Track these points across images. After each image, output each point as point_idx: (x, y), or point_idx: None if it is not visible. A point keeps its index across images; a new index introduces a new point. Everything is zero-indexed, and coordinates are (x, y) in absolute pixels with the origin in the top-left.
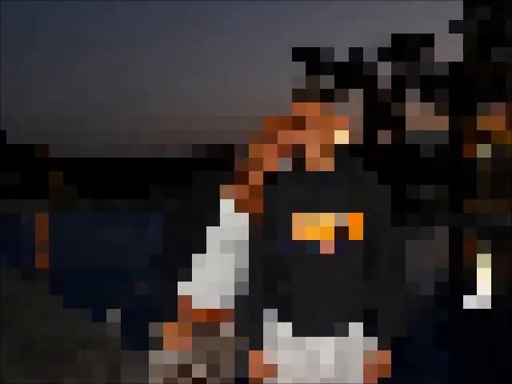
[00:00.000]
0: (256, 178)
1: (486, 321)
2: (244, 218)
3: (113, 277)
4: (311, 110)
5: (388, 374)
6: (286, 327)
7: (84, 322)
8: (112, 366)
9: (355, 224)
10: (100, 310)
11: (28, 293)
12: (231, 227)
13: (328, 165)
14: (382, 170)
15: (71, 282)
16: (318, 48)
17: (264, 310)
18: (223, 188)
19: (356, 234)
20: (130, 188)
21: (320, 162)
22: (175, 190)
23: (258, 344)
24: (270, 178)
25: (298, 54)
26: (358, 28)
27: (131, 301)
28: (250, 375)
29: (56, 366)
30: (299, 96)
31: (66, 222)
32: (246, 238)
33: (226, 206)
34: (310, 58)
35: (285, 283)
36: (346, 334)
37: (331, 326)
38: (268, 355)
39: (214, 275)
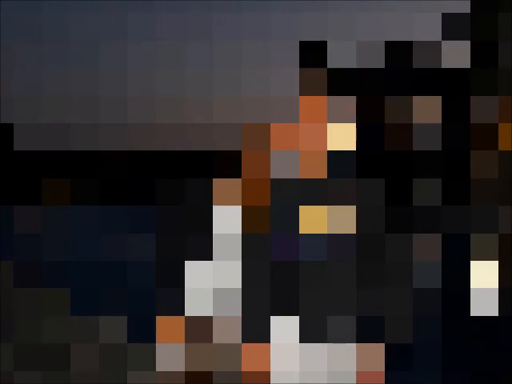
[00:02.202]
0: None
1: (492, 329)
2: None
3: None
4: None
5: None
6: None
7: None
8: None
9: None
10: (99, 306)
11: (25, 291)
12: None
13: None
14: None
15: (68, 276)
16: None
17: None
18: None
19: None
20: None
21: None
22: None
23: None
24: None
25: (311, 53)
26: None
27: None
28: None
29: (55, 365)
30: (310, 85)
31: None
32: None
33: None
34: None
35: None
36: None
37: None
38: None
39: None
